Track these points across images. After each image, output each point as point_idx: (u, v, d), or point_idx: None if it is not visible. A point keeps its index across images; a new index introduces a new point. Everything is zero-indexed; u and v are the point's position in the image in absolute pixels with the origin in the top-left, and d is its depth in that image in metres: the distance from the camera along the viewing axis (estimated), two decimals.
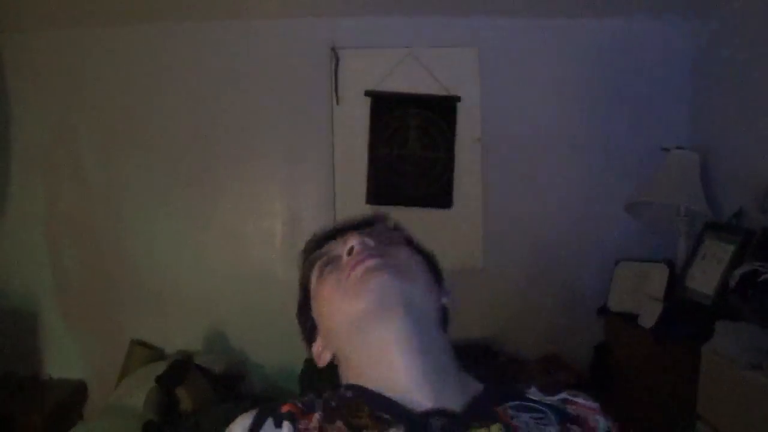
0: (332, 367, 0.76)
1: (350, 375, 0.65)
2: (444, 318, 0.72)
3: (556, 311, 2.68)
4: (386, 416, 0.55)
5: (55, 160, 2.63)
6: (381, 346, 0.61)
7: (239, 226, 2.67)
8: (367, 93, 2.62)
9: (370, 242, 0.67)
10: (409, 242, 0.79)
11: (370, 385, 0.60)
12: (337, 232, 0.75)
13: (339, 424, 0.55)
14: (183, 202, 2.65)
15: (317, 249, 0.74)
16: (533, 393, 0.65)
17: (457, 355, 0.66)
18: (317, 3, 2.48)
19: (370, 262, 0.63)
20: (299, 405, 0.60)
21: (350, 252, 0.66)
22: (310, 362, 2.40)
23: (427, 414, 0.56)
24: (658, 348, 2.12)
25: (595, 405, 0.65)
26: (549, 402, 0.63)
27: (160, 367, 2.23)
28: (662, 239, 2.58)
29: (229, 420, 0.69)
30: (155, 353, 2.57)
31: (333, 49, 2.61)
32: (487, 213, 2.67)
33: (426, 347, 0.61)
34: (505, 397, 0.61)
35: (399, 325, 0.60)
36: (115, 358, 2.53)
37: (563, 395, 0.65)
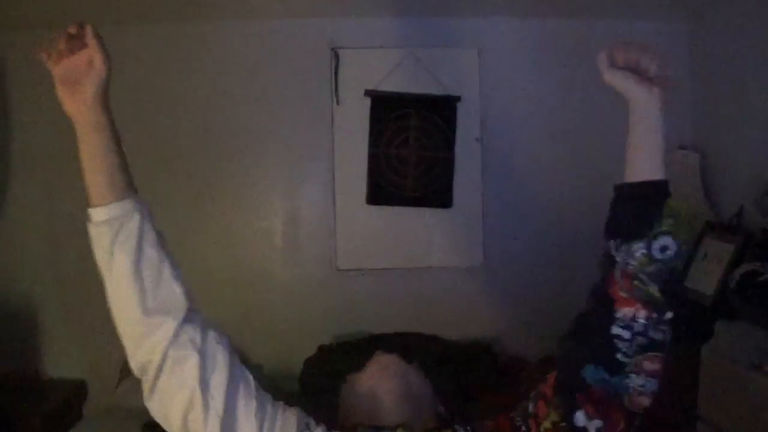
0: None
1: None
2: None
3: (556, 311, 2.67)
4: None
5: (55, 160, 2.63)
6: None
7: (239, 226, 2.67)
8: (367, 93, 2.62)
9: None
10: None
11: None
12: None
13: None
14: (183, 201, 2.65)
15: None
16: None
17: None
18: (317, 3, 2.48)
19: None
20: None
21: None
22: (310, 362, 2.40)
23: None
24: None
25: None
26: None
27: None
28: None
29: None
30: None
31: (333, 49, 2.61)
32: (487, 213, 2.67)
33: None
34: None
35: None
36: (115, 358, 2.52)
37: None
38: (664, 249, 0.75)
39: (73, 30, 0.89)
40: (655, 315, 0.74)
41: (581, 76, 2.67)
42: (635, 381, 0.74)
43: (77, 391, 2.58)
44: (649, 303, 0.74)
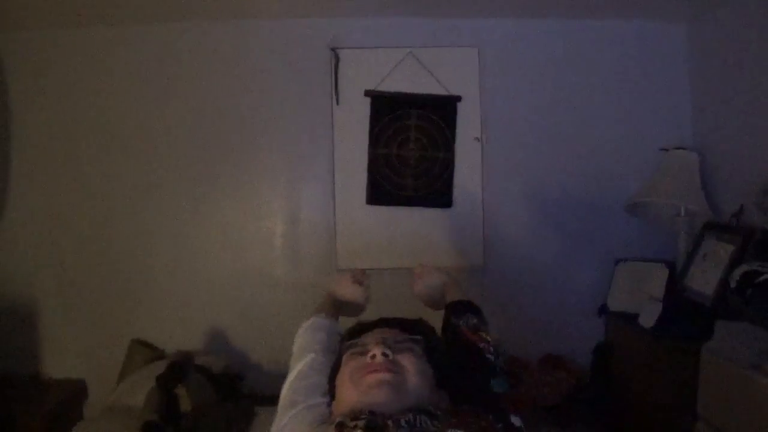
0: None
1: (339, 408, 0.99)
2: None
3: (557, 311, 2.68)
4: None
5: (55, 160, 2.63)
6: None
7: (239, 226, 2.67)
8: (367, 93, 2.62)
9: (389, 353, 0.98)
10: (421, 350, 1.08)
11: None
12: (375, 325, 1.14)
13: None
14: (183, 201, 2.65)
15: (357, 336, 1.10)
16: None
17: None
18: (317, 3, 2.48)
19: (381, 376, 0.95)
20: None
21: (373, 357, 0.98)
22: None
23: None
24: (658, 348, 2.12)
25: None
26: None
27: (160, 367, 2.22)
28: (662, 239, 2.58)
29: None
30: (155, 353, 2.57)
31: (333, 49, 2.61)
32: (487, 213, 2.67)
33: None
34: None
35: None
36: (115, 358, 2.53)
37: None
38: (483, 319, 1.28)
39: (360, 274, 1.54)
40: (492, 348, 1.16)
41: (581, 76, 2.68)
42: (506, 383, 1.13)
43: (77, 391, 2.59)
44: (487, 342, 1.17)
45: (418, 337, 1.08)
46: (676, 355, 2.02)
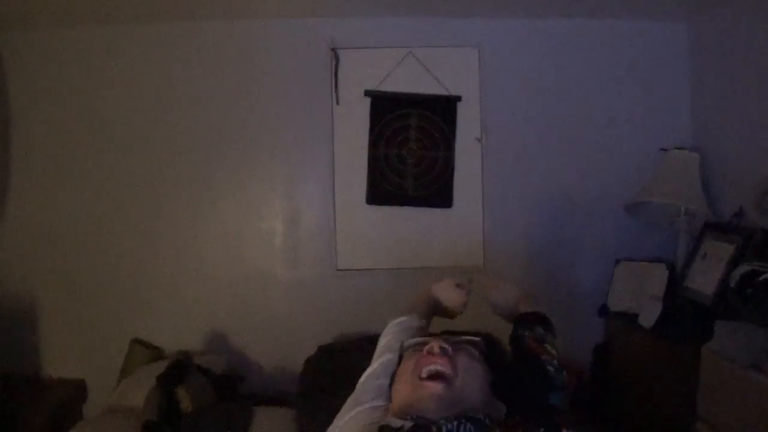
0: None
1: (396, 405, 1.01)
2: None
3: (556, 311, 2.67)
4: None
5: (55, 160, 2.63)
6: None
7: (239, 226, 2.67)
8: (367, 93, 2.63)
9: (447, 347, 1.01)
10: (478, 353, 1.10)
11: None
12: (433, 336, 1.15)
13: None
14: (183, 202, 2.65)
15: (420, 338, 1.14)
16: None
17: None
18: (317, 3, 2.48)
19: (436, 390, 0.95)
20: None
21: (430, 349, 1.01)
22: (310, 362, 2.40)
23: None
24: (658, 348, 2.12)
25: None
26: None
27: (160, 367, 2.22)
28: (662, 239, 2.58)
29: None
30: (155, 353, 2.57)
31: (333, 49, 2.61)
32: (487, 213, 2.67)
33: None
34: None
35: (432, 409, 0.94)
36: (115, 358, 2.54)
37: None
38: (551, 332, 1.27)
39: (464, 280, 1.52)
40: (555, 361, 1.17)
41: (581, 76, 2.68)
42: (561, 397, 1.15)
43: (77, 391, 2.59)
44: (550, 354, 1.18)
45: (477, 339, 1.10)
46: (676, 355, 2.02)
